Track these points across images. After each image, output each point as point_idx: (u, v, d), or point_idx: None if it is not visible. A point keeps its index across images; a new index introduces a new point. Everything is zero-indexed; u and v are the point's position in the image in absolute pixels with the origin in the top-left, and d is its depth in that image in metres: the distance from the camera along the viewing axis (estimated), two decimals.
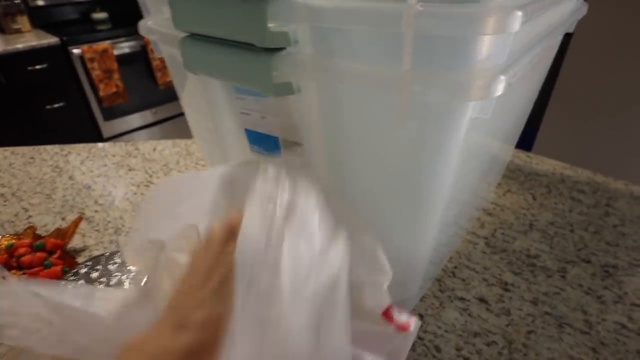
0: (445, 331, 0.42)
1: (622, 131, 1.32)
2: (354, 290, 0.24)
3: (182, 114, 2.48)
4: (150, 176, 0.71)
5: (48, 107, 1.89)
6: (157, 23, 0.39)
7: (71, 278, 0.38)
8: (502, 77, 0.23)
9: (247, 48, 0.28)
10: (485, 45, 0.22)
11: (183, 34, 0.33)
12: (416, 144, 0.27)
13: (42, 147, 0.83)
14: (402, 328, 0.25)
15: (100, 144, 0.82)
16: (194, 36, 0.32)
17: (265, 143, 0.38)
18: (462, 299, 0.45)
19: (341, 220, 0.26)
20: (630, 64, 1.25)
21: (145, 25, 0.39)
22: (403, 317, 0.26)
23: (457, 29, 0.20)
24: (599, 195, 0.63)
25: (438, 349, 0.40)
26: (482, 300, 0.45)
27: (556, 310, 0.44)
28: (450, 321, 0.43)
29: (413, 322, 0.26)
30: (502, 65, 0.24)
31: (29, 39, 1.82)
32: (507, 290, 0.46)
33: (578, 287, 0.47)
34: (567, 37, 1.35)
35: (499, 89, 0.23)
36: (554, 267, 0.50)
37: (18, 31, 1.92)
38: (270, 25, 0.25)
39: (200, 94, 0.41)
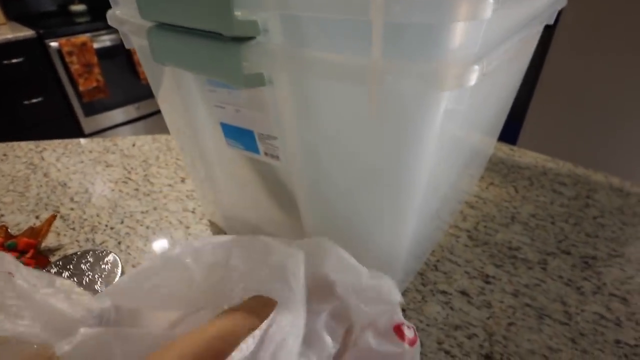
0: (427, 325, 0.41)
1: (604, 124, 1.35)
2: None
3: None
4: (129, 172, 0.69)
5: (26, 102, 1.84)
6: (126, 12, 0.37)
7: None
8: (476, 67, 0.22)
9: (215, 38, 0.26)
10: (458, 33, 0.22)
11: (150, 24, 0.31)
12: (390, 137, 0.26)
13: (15, 144, 0.80)
14: (412, 342, 0.27)
15: (76, 140, 0.80)
16: (161, 26, 0.31)
17: (240, 137, 0.37)
18: (444, 292, 0.45)
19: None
20: (612, 57, 1.27)
21: (114, 15, 0.38)
22: (411, 332, 0.27)
23: (427, 15, 0.19)
24: (580, 187, 0.63)
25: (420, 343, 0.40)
26: (463, 293, 0.45)
27: (536, 301, 0.44)
28: (432, 315, 0.43)
29: (417, 335, 0.28)
30: (476, 55, 0.23)
31: (4, 31, 1.76)
32: (488, 282, 0.46)
33: (558, 279, 0.47)
34: (550, 30, 1.36)
35: (472, 78, 0.22)
36: (535, 259, 0.50)
37: None
38: (238, 13, 0.24)
39: (173, 88, 0.40)
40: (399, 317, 0.28)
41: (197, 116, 0.40)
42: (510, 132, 0.71)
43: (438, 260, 0.50)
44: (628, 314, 0.42)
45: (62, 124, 1.98)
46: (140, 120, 2.30)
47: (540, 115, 1.48)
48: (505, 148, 0.75)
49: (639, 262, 0.49)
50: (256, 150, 0.37)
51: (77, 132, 2.05)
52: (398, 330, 0.27)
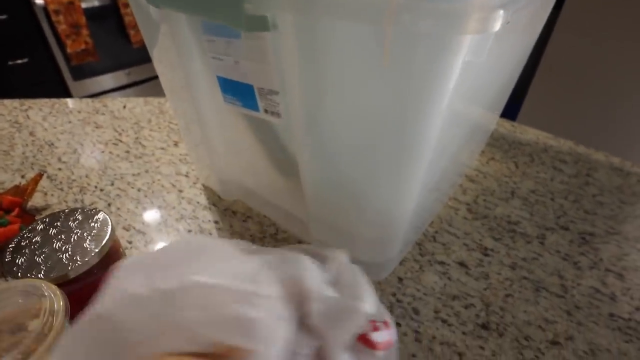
0: (424, 294, 0.41)
1: (605, 106, 1.34)
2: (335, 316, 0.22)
3: (157, 76, 2.37)
4: (120, 134, 0.66)
5: (10, 62, 1.76)
6: None
7: (27, 235, 0.35)
8: (501, 12, 0.20)
9: None
10: None
11: None
12: (402, 88, 0.24)
13: None
14: (384, 346, 0.24)
15: (64, 100, 0.76)
16: None
17: (239, 92, 0.35)
18: (442, 262, 0.45)
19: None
20: (616, 39, 1.25)
21: None
22: (382, 335, 0.24)
23: None
24: (580, 165, 0.63)
25: (416, 311, 0.39)
26: (461, 264, 0.45)
27: (534, 275, 0.44)
28: (430, 284, 0.42)
29: (393, 335, 0.25)
30: (501, 0, 0.21)
31: None
32: (486, 255, 0.46)
33: (556, 253, 0.47)
34: (556, 10, 1.32)
35: (497, 24, 0.20)
36: (534, 233, 0.49)
37: None
38: None
39: (169, 44, 0.37)
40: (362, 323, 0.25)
41: (193, 73, 0.38)
42: (509, 113, 0.69)
43: (436, 232, 0.49)
44: (623, 289, 0.43)
45: (49, 88, 1.91)
46: (131, 87, 2.23)
47: (540, 96, 1.46)
48: (507, 124, 0.74)
49: (635, 239, 0.49)
50: (255, 107, 0.35)
51: (64, 96, 1.98)
52: (363, 340, 0.25)
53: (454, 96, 0.25)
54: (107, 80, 2.09)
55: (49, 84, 1.91)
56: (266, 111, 0.34)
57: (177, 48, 0.36)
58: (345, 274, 0.25)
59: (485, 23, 0.20)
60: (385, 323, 0.24)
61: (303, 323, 0.22)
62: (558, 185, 0.58)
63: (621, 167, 0.62)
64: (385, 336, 0.24)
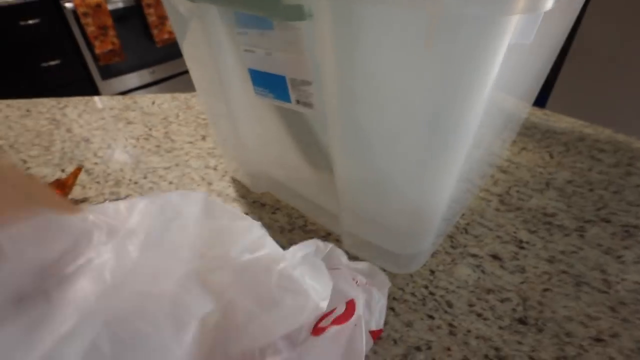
0: (458, 287, 0.40)
1: (638, 92, 1.27)
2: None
3: (180, 74, 2.40)
4: (150, 129, 0.68)
5: (44, 64, 1.83)
6: None
7: None
8: None
9: None
10: None
11: None
12: (443, 78, 0.24)
13: (38, 100, 0.79)
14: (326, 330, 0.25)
15: (97, 97, 0.79)
16: None
17: (271, 84, 0.35)
18: (474, 255, 0.44)
19: None
20: None
21: None
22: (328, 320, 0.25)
23: None
24: (620, 154, 0.60)
25: (450, 305, 0.39)
26: (495, 257, 0.44)
27: (573, 269, 0.42)
28: (463, 277, 0.41)
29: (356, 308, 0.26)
30: None
31: None
32: (522, 248, 0.45)
33: (597, 247, 0.45)
34: None
35: (548, 3, 0.19)
36: (572, 226, 0.47)
37: None
38: None
39: (201, 38, 0.37)
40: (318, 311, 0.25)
41: (224, 67, 0.38)
42: (537, 100, 0.66)
43: (468, 224, 0.48)
44: None
45: (80, 87, 1.98)
46: (155, 85, 2.28)
47: (570, 82, 1.40)
48: (539, 112, 0.71)
49: None
50: (287, 99, 0.35)
51: (94, 95, 2.05)
52: (318, 330, 0.25)
53: (495, 83, 0.24)
54: (133, 79, 2.15)
55: (80, 83, 1.98)
56: (298, 102, 0.34)
57: (208, 42, 0.37)
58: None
59: (535, 2, 0.19)
60: (332, 310, 0.25)
61: None
62: (597, 176, 0.55)
63: None
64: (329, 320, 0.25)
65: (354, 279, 0.31)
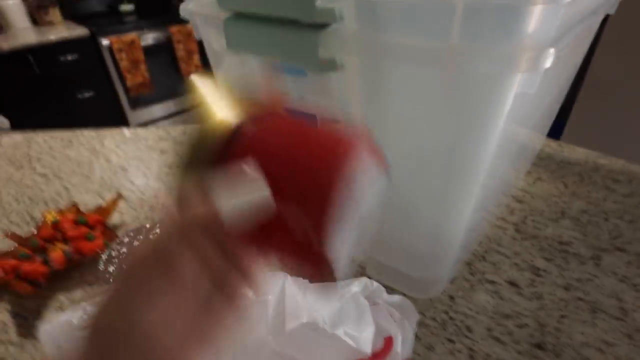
0: (477, 312, 0.42)
1: None
2: None
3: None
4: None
5: (79, 96, 1.96)
6: (198, 5, 0.40)
7: (116, 247, 0.40)
8: (552, 50, 0.23)
9: (293, 24, 0.28)
10: (534, 17, 0.22)
11: (226, 14, 0.34)
12: (459, 121, 0.27)
13: (78, 132, 0.86)
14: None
15: (132, 129, 0.85)
16: (238, 15, 0.33)
17: None
18: (492, 282, 0.45)
19: None
20: None
21: (187, 8, 0.41)
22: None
23: None
24: (635, 184, 0.61)
25: (469, 329, 0.40)
26: (512, 284, 0.45)
27: (589, 296, 0.43)
28: (481, 303, 0.43)
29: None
30: (551, 39, 0.24)
31: (60, 30, 1.88)
32: (538, 275, 0.46)
33: (612, 275, 0.46)
34: (600, 27, 1.29)
35: (548, 61, 0.23)
36: (588, 254, 0.49)
37: (50, 23, 1.99)
38: (318, 1, 0.26)
39: (238, 73, 0.42)
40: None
41: None
42: (553, 131, 0.69)
43: (486, 251, 0.50)
44: None
45: (110, 117, 2.10)
46: (180, 115, 2.39)
47: (585, 115, 1.41)
48: (554, 144, 0.73)
49: None
50: None
51: (124, 124, 2.17)
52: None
53: (505, 124, 0.28)
54: (159, 109, 2.27)
55: (110, 113, 2.10)
56: None
57: (245, 82, 0.41)
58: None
59: (536, 62, 0.22)
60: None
61: None
62: (612, 205, 0.57)
63: None
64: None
65: (391, 315, 0.34)
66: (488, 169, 0.32)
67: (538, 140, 0.64)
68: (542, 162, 0.68)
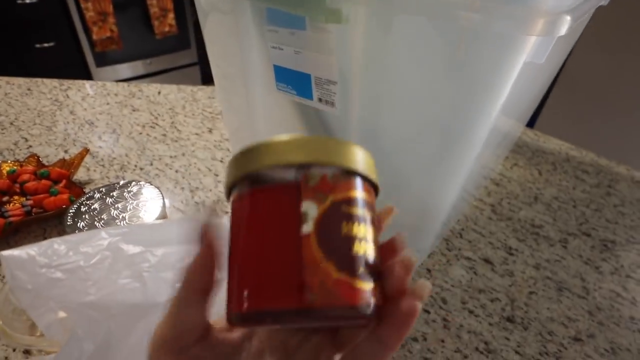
0: (452, 286, 0.43)
1: (626, 118, 1.35)
2: None
3: (177, 68, 2.39)
4: (156, 118, 0.69)
5: (37, 45, 1.80)
6: None
7: (85, 202, 0.37)
8: (568, 17, 0.22)
9: None
10: None
11: None
12: (464, 88, 0.26)
13: (39, 80, 0.79)
14: None
15: (100, 82, 0.79)
16: None
17: (295, 81, 0.37)
18: (468, 258, 0.47)
19: None
20: (636, 50, 1.26)
21: None
22: None
23: None
24: (602, 176, 0.64)
25: (445, 301, 0.41)
26: (487, 261, 0.46)
27: (556, 275, 0.46)
28: (457, 277, 0.44)
29: None
30: (568, 7, 0.23)
31: None
32: (511, 254, 0.48)
33: (578, 257, 0.48)
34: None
35: (564, 28, 0.22)
36: (556, 237, 0.51)
37: None
38: None
39: (228, 29, 0.39)
40: None
41: (248, 60, 0.40)
42: (527, 122, 0.70)
43: (463, 229, 0.51)
44: None
45: (73, 72, 1.95)
46: (150, 77, 2.26)
47: (558, 106, 1.47)
48: (530, 133, 0.75)
49: None
50: (310, 96, 0.37)
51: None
52: None
53: (512, 94, 0.27)
54: (127, 69, 2.13)
55: (73, 68, 1.95)
56: (320, 100, 0.36)
57: (237, 37, 0.39)
58: None
59: (551, 27, 0.22)
60: None
61: None
62: (580, 194, 0.60)
63: None
64: None
65: None
66: (483, 144, 0.32)
67: (518, 127, 0.65)
68: (519, 150, 0.70)
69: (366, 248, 0.15)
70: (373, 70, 0.29)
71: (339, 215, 0.15)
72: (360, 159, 0.17)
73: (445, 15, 0.23)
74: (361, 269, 0.15)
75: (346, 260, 0.14)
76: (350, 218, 0.15)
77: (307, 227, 0.15)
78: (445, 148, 0.31)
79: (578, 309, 0.42)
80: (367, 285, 0.15)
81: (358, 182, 0.16)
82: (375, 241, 0.16)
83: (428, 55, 0.26)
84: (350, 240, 0.15)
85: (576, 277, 0.46)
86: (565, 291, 0.44)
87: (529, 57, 0.25)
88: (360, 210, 0.16)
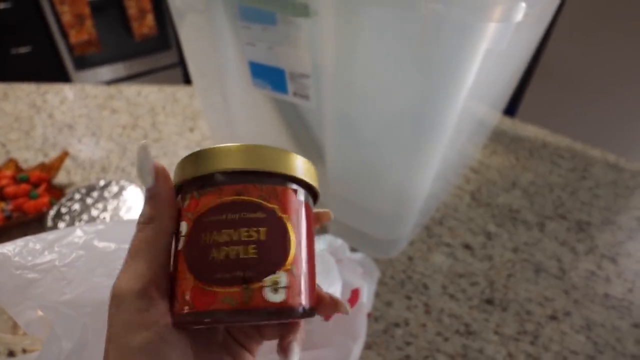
0: (433, 272, 0.44)
1: (602, 103, 1.39)
2: None
3: (158, 69, 2.37)
4: (136, 119, 0.68)
5: (13, 51, 1.76)
6: None
7: (66, 203, 0.37)
8: (523, 4, 0.23)
9: None
10: None
11: None
12: (430, 76, 0.27)
13: (15, 85, 0.77)
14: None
15: (79, 85, 0.78)
16: None
17: (270, 76, 0.37)
18: (448, 244, 0.48)
19: None
20: (614, 37, 1.30)
21: None
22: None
23: None
24: (577, 160, 0.66)
25: (426, 287, 0.42)
26: (466, 246, 0.48)
27: (534, 257, 0.47)
28: (437, 263, 0.45)
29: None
30: None
31: None
32: (490, 239, 0.49)
33: (554, 239, 0.50)
34: (557, 10, 1.36)
35: (519, 14, 0.23)
36: (534, 221, 0.53)
37: None
38: None
39: (203, 28, 0.39)
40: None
41: (224, 58, 0.40)
42: (508, 110, 0.72)
43: (443, 217, 0.52)
44: (617, 272, 0.46)
45: (51, 77, 1.91)
46: (131, 79, 2.23)
47: (538, 95, 1.51)
48: (507, 121, 0.77)
49: (629, 229, 0.52)
50: (285, 90, 0.37)
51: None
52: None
53: (475, 81, 0.28)
54: (108, 72, 2.10)
55: (51, 73, 1.91)
56: (295, 94, 0.37)
57: (212, 36, 0.39)
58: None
59: (508, 13, 0.23)
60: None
61: None
62: (556, 179, 0.61)
63: (616, 163, 0.66)
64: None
65: (355, 270, 0.34)
66: (452, 131, 0.32)
67: (494, 115, 0.67)
68: (497, 137, 0.71)
69: (238, 250, 0.15)
70: (344, 62, 0.30)
71: (200, 227, 0.16)
72: (238, 159, 0.17)
73: (407, 4, 0.23)
74: (219, 274, 0.15)
75: (201, 268, 0.15)
76: (209, 227, 0.16)
77: (180, 245, 0.16)
78: (417, 135, 0.32)
79: (554, 289, 0.43)
80: (225, 289, 0.15)
81: (228, 187, 0.16)
82: (271, 236, 0.16)
83: (395, 46, 0.27)
84: (208, 248, 0.15)
85: (552, 258, 0.47)
86: (542, 272, 0.45)
87: (490, 44, 0.26)
88: (230, 216, 0.16)
